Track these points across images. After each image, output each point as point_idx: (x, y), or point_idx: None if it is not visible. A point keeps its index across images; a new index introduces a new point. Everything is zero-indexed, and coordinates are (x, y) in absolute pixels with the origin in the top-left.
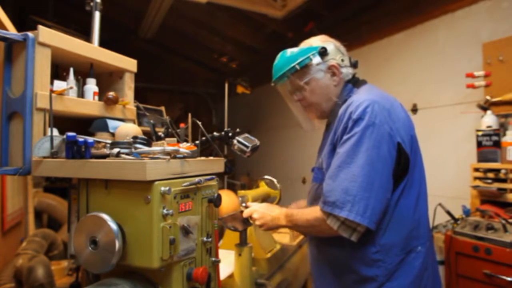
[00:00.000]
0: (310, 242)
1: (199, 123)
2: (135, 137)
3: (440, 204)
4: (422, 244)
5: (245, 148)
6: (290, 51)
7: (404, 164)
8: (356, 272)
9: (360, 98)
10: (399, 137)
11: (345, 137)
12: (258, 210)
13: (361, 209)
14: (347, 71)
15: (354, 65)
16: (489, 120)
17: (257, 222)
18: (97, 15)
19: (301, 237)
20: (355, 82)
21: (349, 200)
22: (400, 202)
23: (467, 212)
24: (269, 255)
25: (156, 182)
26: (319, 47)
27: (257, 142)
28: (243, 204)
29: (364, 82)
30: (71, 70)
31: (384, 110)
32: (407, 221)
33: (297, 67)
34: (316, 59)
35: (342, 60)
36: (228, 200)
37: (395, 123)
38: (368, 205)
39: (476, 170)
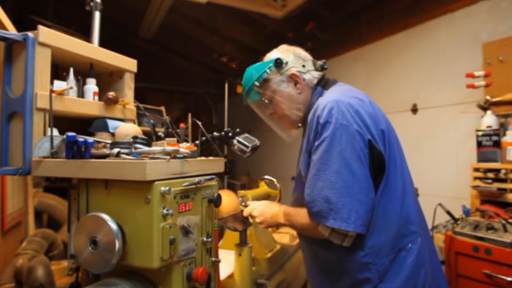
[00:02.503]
0: (303, 249)
1: (199, 123)
2: (135, 137)
3: (440, 204)
4: (413, 241)
5: (245, 148)
6: (251, 68)
7: (378, 161)
8: (349, 277)
9: (325, 100)
10: (369, 134)
11: (316, 143)
12: (257, 208)
13: (345, 216)
14: (311, 76)
15: (321, 67)
16: (489, 120)
17: (257, 220)
18: (97, 15)
19: None
20: (325, 84)
21: (332, 209)
22: (383, 200)
23: (467, 212)
24: (269, 255)
25: (156, 182)
26: (274, 60)
27: (257, 142)
28: (243, 204)
29: (334, 82)
30: (71, 70)
31: (350, 108)
32: (393, 219)
33: (256, 83)
34: (274, 72)
35: (303, 66)
36: (228, 200)
37: (364, 120)
38: (351, 210)
39: (476, 170)
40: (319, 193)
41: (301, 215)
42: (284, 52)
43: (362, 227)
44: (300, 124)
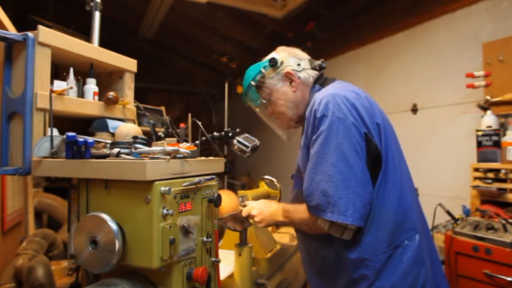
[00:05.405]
0: (300, 248)
1: (199, 123)
2: (135, 137)
3: (440, 204)
4: (410, 238)
5: (245, 148)
6: (249, 69)
7: (374, 154)
8: (346, 274)
9: (321, 94)
10: (365, 127)
11: (314, 137)
12: (256, 207)
13: (343, 209)
14: (307, 75)
15: (320, 66)
16: (489, 120)
17: (256, 219)
18: (97, 15)
19: None
20: (323, 82)
21: (329, 202)
22: (380, 195)
23: (467, 212)
24: (269, 255)
25: (156, 182)
26: (269, 59)
27: (257, 142)
28: (243, 204)
29: (332, 79)
30: (71, 70)
31: (346, 101)
32: (391, 215)
33: (252, 83)
34: (269, 71)
35: (298, 65)
36: (228, 200)
37: (359, 113)
38: (348, 202)
39: (476, 170)
40: (317, 186)
41: (301, 210)
42: (279, 52)
43: (360, 220)
44: (299, 123)
